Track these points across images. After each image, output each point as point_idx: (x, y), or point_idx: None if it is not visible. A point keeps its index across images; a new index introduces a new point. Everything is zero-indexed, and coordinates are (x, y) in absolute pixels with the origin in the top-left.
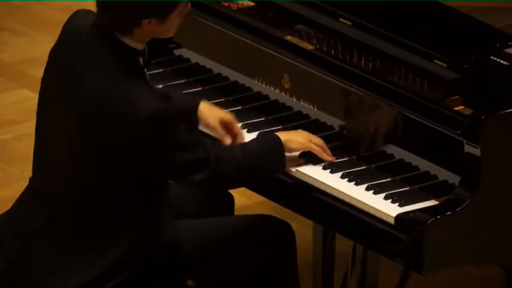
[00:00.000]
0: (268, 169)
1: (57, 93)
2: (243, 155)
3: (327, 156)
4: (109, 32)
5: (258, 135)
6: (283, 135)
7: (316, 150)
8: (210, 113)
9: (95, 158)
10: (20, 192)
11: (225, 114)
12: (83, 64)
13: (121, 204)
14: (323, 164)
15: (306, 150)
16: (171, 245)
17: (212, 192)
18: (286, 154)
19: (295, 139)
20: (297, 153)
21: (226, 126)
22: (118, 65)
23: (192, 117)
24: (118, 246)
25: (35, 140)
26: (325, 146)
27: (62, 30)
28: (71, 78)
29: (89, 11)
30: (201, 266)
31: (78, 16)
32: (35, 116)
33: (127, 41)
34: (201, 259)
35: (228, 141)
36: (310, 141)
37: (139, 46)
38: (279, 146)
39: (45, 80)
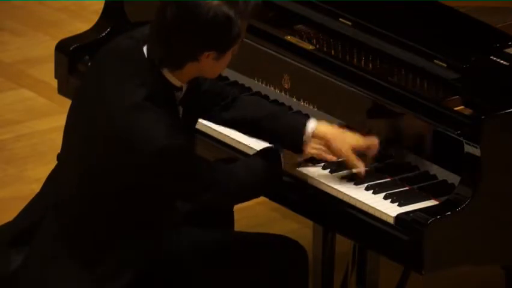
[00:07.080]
0: (270, 184)
1: (82, 106)
2: (246, 175)
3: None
4: (151, 63)
5: (261, 149)
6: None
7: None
8: (340, 139)
9: (105, 174)
10: (19, 193)
11: (358, 141)
12: (112, 84)
13: (124, 219)
14: (323, 163)
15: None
16: (173, 259)
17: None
18: (290, 154)
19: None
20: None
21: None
22: (147, 93)
23: (297, 139)
24: (116, 254)
25: (62, 140)
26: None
27: (104, 48)
28: (96, 96)
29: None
30: (207, 281)
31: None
32: (36, 116)
33: (168, 75)
34: (206, 274)
35: (362, 170)
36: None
37: (178, 83)
38: (279, 162)
39: (78, 91)
